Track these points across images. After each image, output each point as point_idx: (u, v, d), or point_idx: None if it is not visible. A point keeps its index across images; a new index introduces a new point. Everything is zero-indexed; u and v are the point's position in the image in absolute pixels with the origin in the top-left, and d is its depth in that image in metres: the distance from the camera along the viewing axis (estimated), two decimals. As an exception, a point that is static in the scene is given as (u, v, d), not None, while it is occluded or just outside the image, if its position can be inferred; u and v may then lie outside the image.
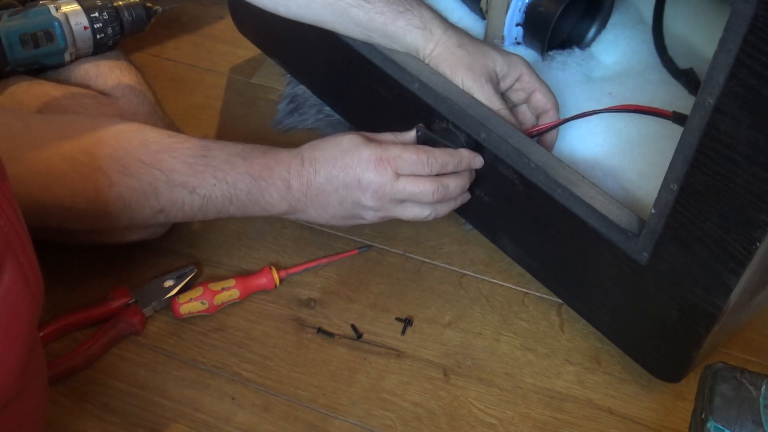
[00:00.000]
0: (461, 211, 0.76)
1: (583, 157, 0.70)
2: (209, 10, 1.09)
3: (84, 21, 0.84)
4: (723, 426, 0.56)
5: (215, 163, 0.63)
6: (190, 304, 0.69)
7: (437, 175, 0.66)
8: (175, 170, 0.62)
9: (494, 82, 0.68)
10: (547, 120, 0.70)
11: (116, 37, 0.88)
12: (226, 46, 1.03)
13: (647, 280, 0.57)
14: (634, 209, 0.58)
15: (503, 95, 0.70)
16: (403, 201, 0.66)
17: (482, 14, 0.85)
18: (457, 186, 0.67)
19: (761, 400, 0.57)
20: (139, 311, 0.68)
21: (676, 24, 0.79)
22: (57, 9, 0.82)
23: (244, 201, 0.65)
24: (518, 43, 0.83)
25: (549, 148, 0.71)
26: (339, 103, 0.87)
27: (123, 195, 0.61)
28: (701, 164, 0.47)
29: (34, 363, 0.46)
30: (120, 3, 0.87)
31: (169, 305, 0.69)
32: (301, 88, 0.92)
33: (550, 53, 0.81)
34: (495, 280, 0.74)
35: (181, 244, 0.76)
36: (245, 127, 0.91)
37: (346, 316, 0.71)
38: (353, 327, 0.70)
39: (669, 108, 0.63)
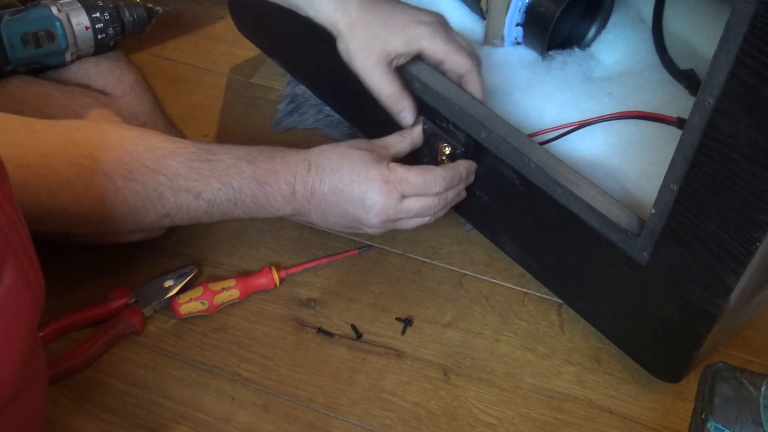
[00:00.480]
0: (461, 211, 0.76)
1: (583, 157, 0.70)
2: (209, 10, 1.09)
3: (85, 21, 0.84)
4: (723, 426, 0.56)
5: (220, 168, 0.63)
6: (190, 304, 0.69)
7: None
8: (180, 175, 0.62)
9: (388, 63, 0.66)
10: (470, 81, 0.67)
11: (117, 38, 0.87)
12: (226, 46, 1.03)
13: (647, 280, 0.57)
14: (634, 209, 0.58)
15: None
16: (404, 219, 0.66)
17: (482, 14, 0.85)
18: (456, 196, 0.68)
19: (761, 400, 0.57)
20: (139, 311, 0.68)
21: (676, 24, 0.79)
22: (58, 9, 0.82)
23: (249, 205, 0.65)
24: (518, 43, 0.83)
25: (478, 95, 0.69)
26: (339, 103, 0.87)
27: (128, 200, 0.61)
28: (701, 164, 0.47)
29: (34, 363, 0.46)
30: (121, 3, 0.87)
31: (169, 305, 0.69)
32: (301, 88, 0.92)
33: (550, 53, 0.81)
34: (495, 280, 0.74)
35: (181, 244, 0.76)
36: (245, 127, 0.91)
37: (346, 316, 0.71)
38: (353, 327, 0.70)
39: (669, 109, 0.63)
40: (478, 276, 0.74)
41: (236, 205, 0.64)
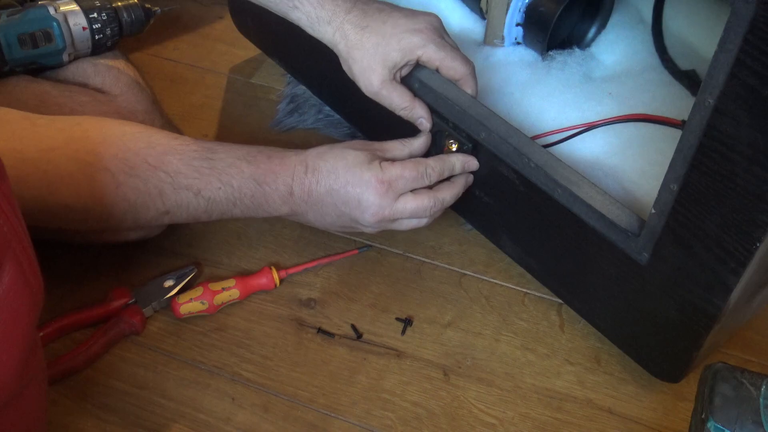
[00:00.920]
0: (461, 211, 0.76)
1: (584, 157, 0.70)
2: (209, 10, 1.09)
3: (83, 21, 0.84)
4: (723, 426, 0.56)
5: (221, 167, 0.63)
6: (190, 304, 0.69)
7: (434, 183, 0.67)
8: (180, 173, 0.62)
9: (392, 78, 0.67)
10: (465, 86, 0.68)
11: (115, 38, 0.87)
12: (226, 46, 1.03)
13: (647, 280, 0.57)
14: (634, 209, 0.58)
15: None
16: (400, 219, 0.66)
17: (482, 14, 0.85)
18: (452, 196, 0.68)
19: (761, 400, 0.57)
20: (139, 311, 0.68)
21: (675, 24, 0.79)
22: (56, 9, 0.82)
23: (247, 204, 0.65)
24: (518, 43, 0.83)
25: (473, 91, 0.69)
26: (339, 103, 0.87)
27: (128, 196, 0.61)
28: (701, 164, 0.47)
29: (34, 363, 0.46)
30: (119, 4, 0.87)
31: (169, 305, 0.69)
32: (301, 88, 0.92)
33: (550, 53, 0.81)
34: (495, 280, 0.74)
35: (181, 244, 0.76)
36: (245, 127, 0.91)
37: (346, 316, 0.71)
38: (353, 327, 0.70)
39: (669, 109, 0.63)
40: (478, 276, 0.74)
41: (235, 204, 0.64)
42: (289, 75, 0.95)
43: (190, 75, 0.98)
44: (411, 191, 0.65)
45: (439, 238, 0.77)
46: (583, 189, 0.59)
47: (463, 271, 0.75)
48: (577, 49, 0.82)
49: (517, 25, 0.81)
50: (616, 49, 0.82)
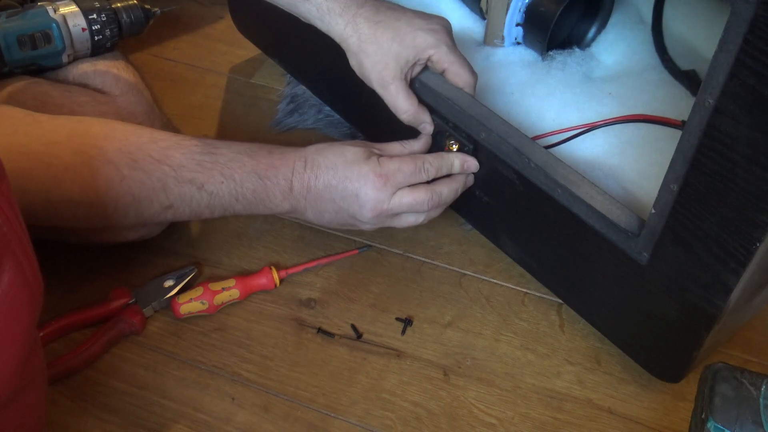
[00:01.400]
0: (461, 211, 0.76)
1: (584, 157, 0.70)
2: (209, 10, 1.09)
3: (82, 23, 0.84)
4: (723, 426, 0.56)
5: (223, 161, 0.64)
6: (190, 304, 0.69)
7: (431, 180, 0.67)
8: (183, 167, 0.63)
9: (403, 77, 0.67)
10: None
11: (114, 39, 0.88)
12: (226, 46, 1.03)
13: (647, 280, 0.57)
14: (634, 209, 0.57)
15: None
16: (398, 214, 0.66)
17: (482, 14, 0.85)
18: (450, 191, 0.67)
19: (761, 400, 0.57)
20: (139, 311, 0.68)
21: (676, 24, 0.79)
22: (55, 10, 0.82)
23: (249, 199, 0.65)
24: (518, 43, 0.83)
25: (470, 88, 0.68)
26: (339, 104, 0.87)
27: (132, 189, 0.62)
28: (701, 164, 0.47)
29: (33, 363, 0.46)
30: (118, 5, 0.87)
31: (169, 305, 0.69)
32: (301, 88, 0.92)
33: (550, 53, 0.81)
34: (495, 280, 0.74)
35: (181, 244, 0.76)
36: (245, 127, 0.91)
37: (346, 316, 0.71)
38: (353, 327, 0.70)
39: (669, 109, 0.63)
40: (478, 276, 0.74)
41: (237, 199, 0.65)
42: (289, 75, 0.95)
43: (190, 75, 0.98)
44: (409, 186, 0.65)
45: (439, 238, 0.77)
46: (583, 189, 0.59)
47: (463, 271, 0.75)
48: (577, 49, 0.82)
49: (517, 25, 0.81)
50: (616, 49, 0.82)
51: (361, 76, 0.68)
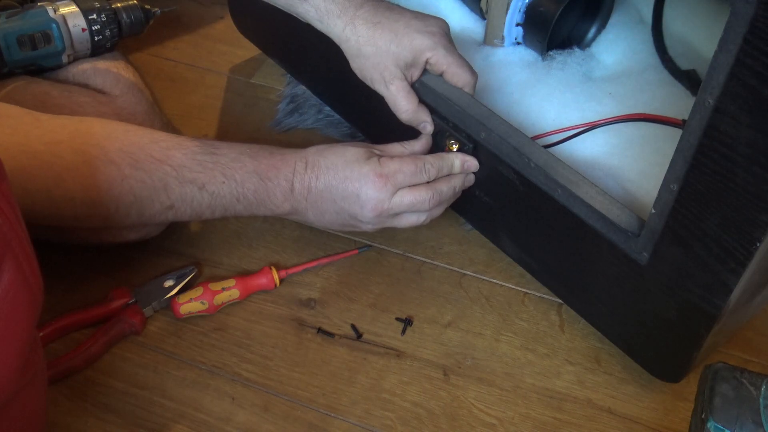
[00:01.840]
0: (461, 211, 0.76)
1: (583, 157, 0.70)
2: (209, 10, 1.09)
3: (82, 23, 0.84)
4: (723, 426, 0.56)
5: (224, 161, 0.64)
6: (190, 304, 0.69)
7: (431, 180, 0.67)
8: (184, 166, 0.63)
9: (402, 78, 0.67)
10: None
11: (114, 39, 0.88)
12: (226, 46, 1.03)
13: (647, 280, 0.57)
14: (634, 209, 0.58)
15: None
16: (399, 214, 0.66)
17: (482, 14, 0.85)
18: (450, 189, 0.67)
19: (761, 400, 0.57)
20: (139, 311, 0.68)
21: (676, 24, 0.79)
22: (55, 11, 0.82)
23: (250, 200, 0.65)
24: (518, 43, 0.83)
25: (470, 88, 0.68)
26: (339, 104, 0.87)
27: (134, 189, 0.62)
28: (701, 164, 0.47)
29: (34, 363, 0.46)
30: (118, 5, 0.87)
31: (169, 305, 0.69)
32: (301, 88, 0.92)
33: (550, 53, 0.81)
34: (495, 280, 0.74)
35: (181, 244, 0.76)
36: (245, 127, 0.91)
37: (346, 316, 0.71)
38: (353, 327, 0.70)
39: (669, 109, 0.63)
40: (478, 276, 0.74)
41: (238, 199, 0.65)
42: (289, 75, 0.95)
43: (190, 75, 0.98)
44: (409, 186, 0.66)
45: (439, 238, 0.77)
46: (583, 189, 0.59)
47: (463, 271, 0.75)
48: (577, 49, 0.82)
49: (517, 25, 0.81)
50: (616, 49, 0.82)
51: (362, 78, 0.68)
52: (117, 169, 0.61)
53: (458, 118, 0.67)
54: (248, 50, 1.00)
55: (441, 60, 0.66)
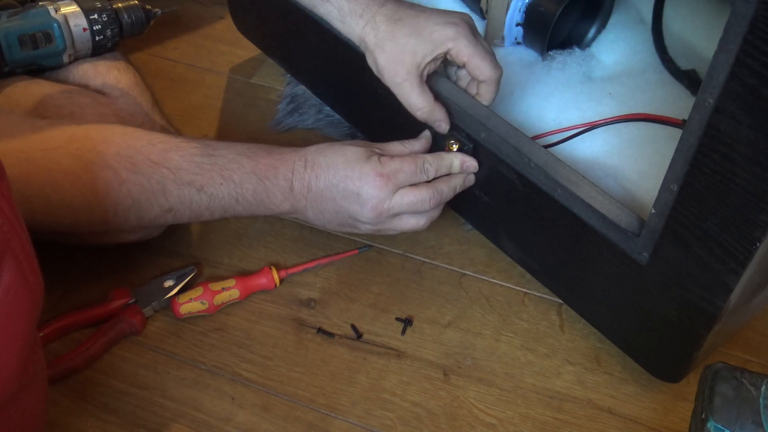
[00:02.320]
0: (461, 211, 0.76)
1: (583, 157, 0.70)
2: (209, 10, 1.09)
3: (83, 23, 0.84)
4: (723, 426, 0.56)
5: (222, 162, 0.64)
6: (190, 304, 0.69)
7: (431, 180, 0.67)
8: (182, 169, 0.63)
9: (419, 74, 0.65)
10: (486, 90, 0.66)
11: (115, 39, 0.88)
12: (226, 46, 1.03)
13: (647, 280, 0.57)
14: (634, 209, 0.58)
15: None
16: (399, 214, 0.66)
17: (482, 14, 0.85)
18: (450, 190, 0.67)
19: (761, 400, 0.57)
20: (139, 311, 0.68)
21: (676, 24, 0.79)
22: (56, 10, 0.82)
23: (249, 200, 0.65)
24: (518, 43, 0.83)
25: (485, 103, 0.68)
26: (339, 104, 0.87)
27: (132, 193, 0.62)
28: (701, 164, 0.47)
29: (34, 363, 0.46)
30: (119, 5, 0.88)
31: (169, 305, 0.69)
32: (301, 88, 0.92)
33: (550, 53, 0.81)
34: (495, 280, 0.74)
35: (181, 244, 0.76)
36: (245, 127, 0.91)
37: (346, 316, 0.71)
38: (353, 327, 0.70)
39: (669, 109, 0.63)
40: (478, 276, 0.74)
41: (237, 200, 0.65)
42: (289, 75, 0.95)
43: (190, 75, 0.98)
44: (409, 185, 0.65)
45: (439, 238, 0.77)
46: (583, 189, 0.59)
47: (463, 271, 0.75)
48: (577, 49, 0.82)
49: (517, 25, 0.81)
50: (616, 49, 0.82)
51: (376, 73, 0.67)
52: (114, 174, 0.61)
53: (458, 118, 0.67)
54: (248, 50, 1.00)
55: (462, 51, 0.64)
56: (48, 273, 0.44)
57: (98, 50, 0.87)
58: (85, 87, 0.84)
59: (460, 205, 0.72)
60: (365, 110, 0.81)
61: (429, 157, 0.66)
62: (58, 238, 0.68)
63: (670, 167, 0.49)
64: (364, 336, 0.69)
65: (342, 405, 0.64)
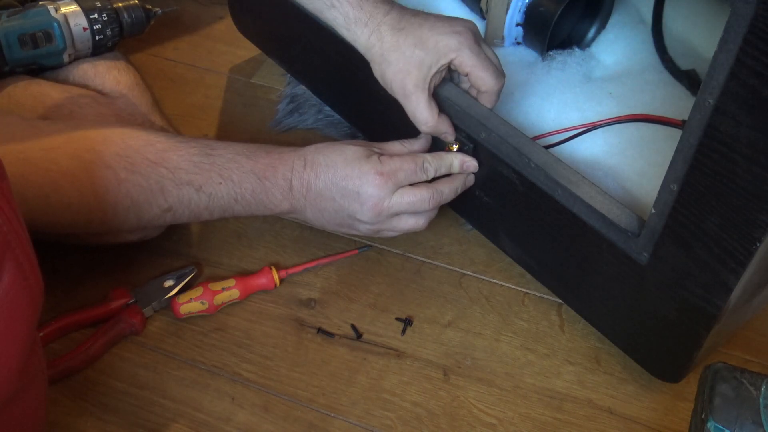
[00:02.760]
0: (461, 211, 0.76)
1: (583, 157, 0.70)
2: (209, 10, 1.09)
3: (83, 22, 0.84)
4: (723, 426, 0.56)
5: (221, 162, 0.64)
6: (190, 304, 0.69)
7: (431, 180, 0.67)
8: (181, 168, 0.63)
9: (426, 86, 0.65)
10: (485, 101, 0.66)
11: (115, 39, 0.88)
12: (226, 46, 1.02)
13: (647, 280, 0.57)
14: (634, 209, 0.58)
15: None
16: (398, 214, 0.66)
17: (482, 14, 0.85)
18: (450, 190, 0.67)
19: (761, 400, 0.57)
20: (139, 311, 0.68)
21: (676, 24, 0.79)
22: (56, 10, 0.82)
23: (248, 200, 0.65)
24: (518, 43, 0.83)
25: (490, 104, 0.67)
26: (339, 103, 0.87)
27: (131, 193, 0.62)
28: (701, 164, 0.47)
29: (34, 363, 0.46)
30: (119, 4, 0.88)
31: (169, 305, 0.69)
32: (301, 88, 0.92)
33: (550, 53, 0.81)
34: (495, 280, 0.74)
35: (181, 244, 0.76)
36: (245, 127, 0.91)
37: (346, 316, 0.71)
38: (353, 327, 0.70)
39: (669, 109, 0.63)
40: (478, 276, 0.74)
41: (236, 200, 0.65)
42: (289, 75, 0.95)
43: (190, 75, 0.98)
44: (409, 185, 0.65)
45: (439, 238, 0.77)
46: (583, 189, 0.59)
47: (463, 271, 0.75)
48: (577, 49, 0.82)
49: (517, 25, 0.81)
50: (616, 49, 0.82)
51: (384, 85, 0.67)
52: (113, 174, 0.61)
53: (458, 118, 0.67)
54: (248, 50, 1.00)
55: (465, 61, 0.64)
56: (48, 273, 0.44)
57: (98, 50, 0.87)
58: (85, 87, 0.84)
59: (460, 205, 0.72)
60: (365, 110, 0.81)
61: (429, 156, 0.66)
62: (57, 238, 0.68)
63: (670, 167, 0.49)
64: (364, 336, 0.69)
65: (342, 405, 0.64)
